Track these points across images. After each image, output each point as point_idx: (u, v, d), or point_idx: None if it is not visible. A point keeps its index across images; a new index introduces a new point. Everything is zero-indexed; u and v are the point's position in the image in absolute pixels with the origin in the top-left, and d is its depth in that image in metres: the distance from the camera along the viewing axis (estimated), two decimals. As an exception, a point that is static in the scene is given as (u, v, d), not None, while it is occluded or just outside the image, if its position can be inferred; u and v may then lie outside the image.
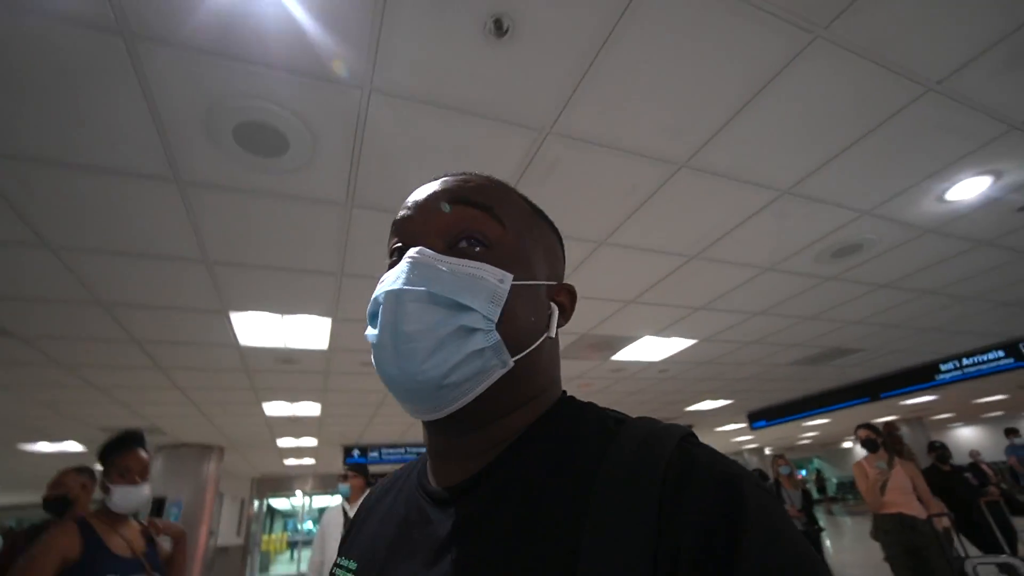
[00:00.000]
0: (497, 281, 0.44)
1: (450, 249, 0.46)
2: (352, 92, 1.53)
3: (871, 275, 3.27)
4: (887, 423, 4.27)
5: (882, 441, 3.82)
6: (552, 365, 0.51)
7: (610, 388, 5.86)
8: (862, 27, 1.47)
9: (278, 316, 3.13)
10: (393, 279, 0.44)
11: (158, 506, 6.56)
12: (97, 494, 2.59)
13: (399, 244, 0.49)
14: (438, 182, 0.51)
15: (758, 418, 8.90)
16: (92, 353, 3.50)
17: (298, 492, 13.91)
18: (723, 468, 0.36)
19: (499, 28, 1.33)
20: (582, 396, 0.52)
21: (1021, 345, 5.25)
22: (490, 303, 0.43)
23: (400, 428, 7.31)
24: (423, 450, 0.54)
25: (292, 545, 15.03)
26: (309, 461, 10.62)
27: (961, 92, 1.76)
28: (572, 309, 0.53)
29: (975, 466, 6.16)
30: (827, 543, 8.60)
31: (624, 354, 4.62)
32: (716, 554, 0.31)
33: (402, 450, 8.36)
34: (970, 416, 14.30)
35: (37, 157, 1.68)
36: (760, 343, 4.64)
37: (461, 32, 1.37)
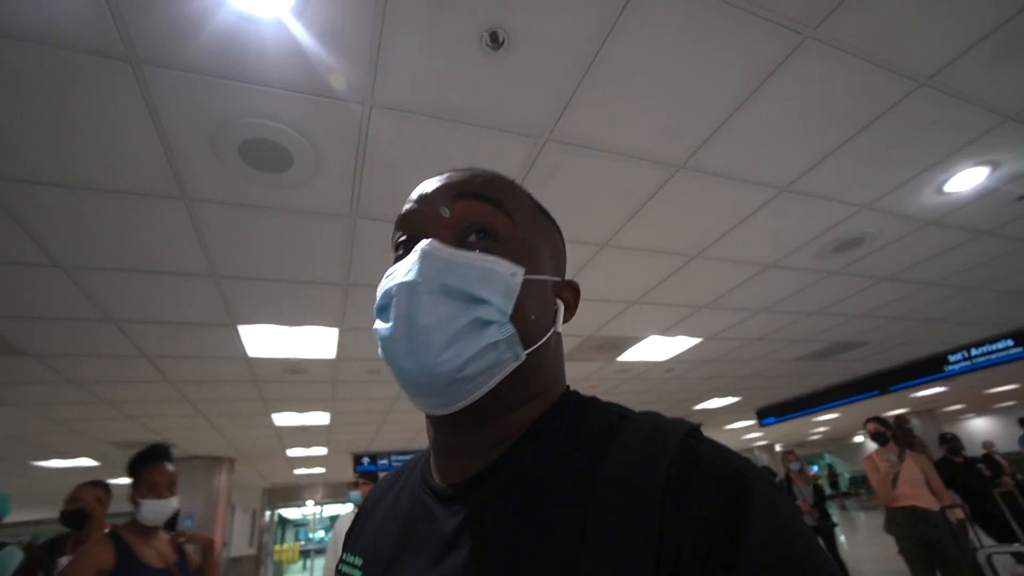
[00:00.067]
0: (510, 274, 0.44)
1: (460, 242, 0.46)
2: (353, 107, 1.57)
3: (873, 268, 3.28)
4: (897, 416, 4.25)
5: (892, 434, 3.81)
6: (557, 360, 0.52)
7: (617, 389, 5.87)
8: (852, 26, 1.49)
9: (286, 327, 3.17)
10: (405, 271, 0.43)
11: (171, 520, 6.60)
12: (114, 507, 2.63)
13: (405, 238, 0.49)
14: (444, 176, 0.51)
15: (767, 415, 8.87)
16: (103, 369, 3.55)
17: (309, 501, 13.95)
18: (727, 463, 0.36)
19: (495, 41, 1.36)
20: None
21: (1029, 334, 5.23)
22: (504, 296, 0.43)
23: (409, 435, 7.34)
24: None
25: (304, 554, 15.05)
26: (319, 470, 10.66)
27: (954, 86, 1.78)
28: (576, 306, 0.53)
29: (989, 457, 6.12)
30: (841, 538, 8.54)
31: (630, 355, 4.63)
32: (719, 550, 0.31)
33: (411, 456, 8.38)
34: (983, 407, 14.19)
35: (49, 180, 1.73)
36: (765, 340, 4.64)
37: (458, 46, 1.40)
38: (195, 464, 7.07)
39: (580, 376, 5.14)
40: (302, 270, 2.51)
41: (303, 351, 3.60)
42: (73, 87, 1.39)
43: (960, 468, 4.91)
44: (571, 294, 0.53)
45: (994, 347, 5.50)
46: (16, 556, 2.64)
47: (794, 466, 5.52)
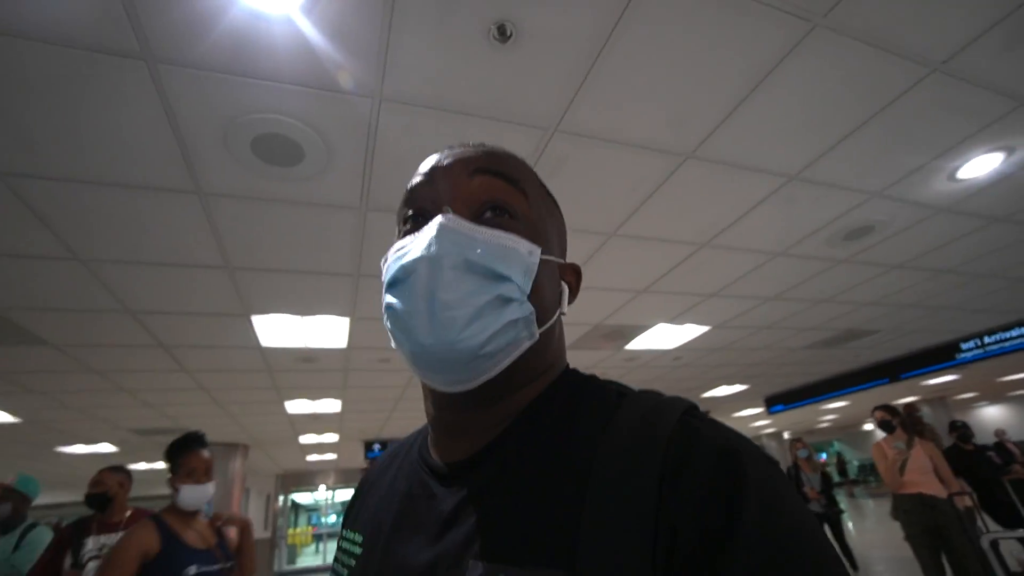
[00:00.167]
0: (527, 253, 0.44)
1: (476, 218, 0.45)
2: (363, 102, 1.58)
3: (883, 256, 3.26)
4: (907, 404, 4.25)
5: (899, 422, 3.81)
6: (560, 341, 0.52)
7: (624, 377, 5.90)
8: (862, 13, 1.47)
9: (298, 317, 3.22)
10: (424, 245, 0.42)
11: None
12: (133, 490, 2.72)
13: (416, 211, 0.48)
14: (457, 150, 0.49)
15: (775, 402, 8.87)
16: (121, 358, 3.65)
17: (321, 487, 14.23)
18: (725, 441, 0.36)
19: (502, 34, 1.37)
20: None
21: (1044, 321, 5.16)
22: (524, 274, 0.43)
23: (419, 421, 7.33)
24: None
25: (317, 538, 15.40)
26: (331, 456, 10.86)
27: (966, 71, 1.75)
28: (578, 288, 0.54)
29: (1000, 445, 6.08)
30: (849, 524, 8.58)
31: (638, 343, 4.65)
32: (715, 527, 0.31)
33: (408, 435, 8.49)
34: (996, 395, 14.04)
35: (68, 176, 1.77)
36: (774, 328, 4.63)
37: (466, 40, 1.41)
38: (211, 451, 7.24)
39: (588, 364, 5.17)
40: (314, 261, 2.55)
41: (315, 340, 3.66)
42: (90, 86, 1.42)
43: (969, 456, 4.90)
44: (573, 276, 0.53)
45: (1008, 335, 5.44)
46: (46, 535, 2.76)
47: (801, 453, 5.54)
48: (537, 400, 0.46)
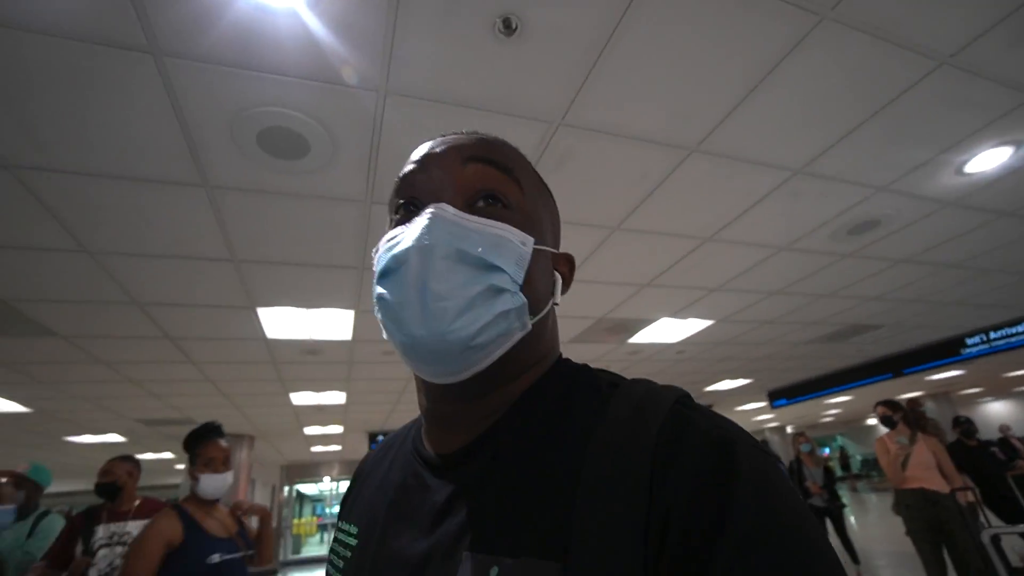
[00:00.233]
0: (520, 243, 0.44)
1: (469, 208, 0.44)
2: (368, 95, 1.59)
3: (889, 251, 3.24)
4: (910, 399, 4.24)
5: (902, 417, 3.81)
6: (553, 331, 0.51)
7: (628, 371, 5.89)
8: (869, 6, 1.46)
9: (303, 310, 3.25)
10: (415, 235, 0.41)
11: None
12: (140, 480, 2.77)
13: (408, 200, 0.47)
14: (450, 138, 0.48)
15: (778, 396, 8.87)
16: (129, 350, 3.68)
17: (325, 478, 14.37)
18: (717, 431, 0.36)
19: (508, 27, 1.37)
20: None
21: (1051, 316, 5.13)
22: (516, 265, 0.43)
23: (422, 414, 7.48)
24: None
25: (322, 528, 15.57)
26: (335, 448, 10.96)
27: (976, 64, 1.74)
28: (571, 279, 0.53)
29: (1005, 441, 6.07)
30: (851, 519, 8.60)
31: (641, 337, 4.66)
32: (706, 518, 0.31)
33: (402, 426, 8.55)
34: (1001, 390, 13.99)
35: (77, 170, 1.78)
36: (777, 322, 4.63)
37: (471, 33, 1.41)
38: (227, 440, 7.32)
39: (591, 358, 5.18)
40: (319, 254, 2.56)
41: (320, 333, 3.69)
42: (98, 79, 1.43)
43: (973, 451, 4.89)
44: (567, 266, 0.53)
45: (1014, 330, 5.41)
46: (58, 522, 2.81)
47: (804, 447, 5.55)
48: (530, 391, 0.46)
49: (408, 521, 0.44)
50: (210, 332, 3.51)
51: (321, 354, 4.21)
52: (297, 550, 13.44)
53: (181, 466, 9.10)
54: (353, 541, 0.49)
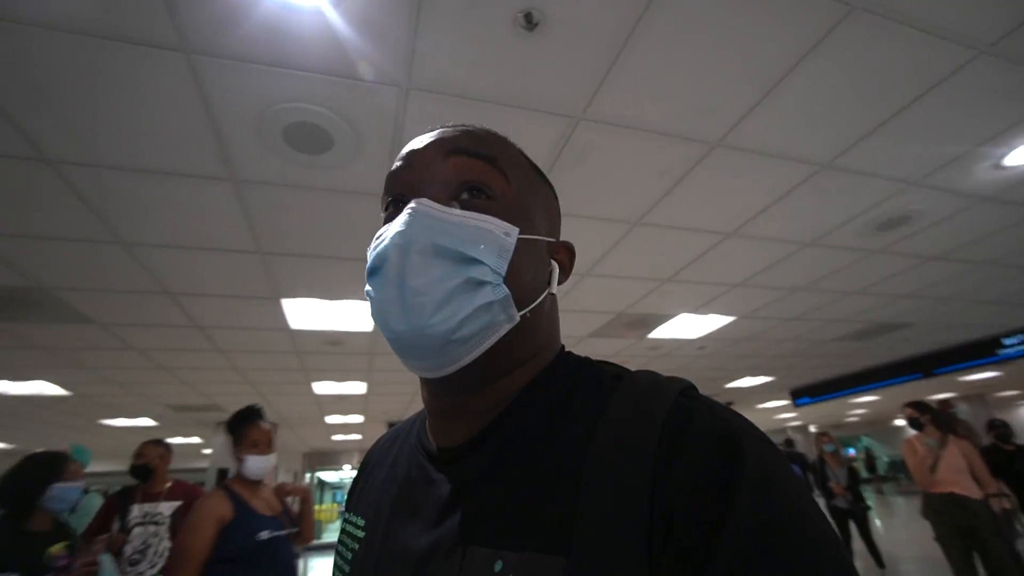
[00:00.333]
0: (503, 234, 0.43)
1: (452, 201, 0.44)
2: (390, 91, 1.61)
3: (920, 247, 3.14)
4: (941, 401, 4.11)
5: (930, 419, 3.69)
6: (552, 322, 0.50)
7: (647, 366, 5.83)
8: (904, -6, 1.41)
9: (326, 301, 3.32)
10: (396, 232, 0.41)
11: (222, 477, 7.11)
12: (168, 461, 2.88)
13: (395, 197, 0.47)
14: (435, 132, 0.48)
15: (801, 395, 8.70)
16: (160, 338, 3.82)
17: (346, 466, 14.68)
18: (722, 423, 0.35)
19: (529, 21, 1.37)
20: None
21: (1094, 317, 4.89)
22: (498, 256, 0.42)
23: (441, 406, 7.56)
24: None
25: (342, 514, 15.92)
26: (356, 436, 11.18)
27: (1017, 53, 1.66)
28: (571, 267, 0.52)
29: (1044, 445, 5.84)
30: (877, 522, 8.41)
31: (661, 332, 4.62)
32: (710, 509, 0.31)
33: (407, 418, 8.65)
34: (1039, 393, 13.42)
35: (114, 164, 1.85)
36: (802, 319, 4.53)
37: (492, 28, 1.41)
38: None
39: (610, 353, 5.17)
40: (342, 247, 2.61)
41: (342, 324, 3.76)
42: (133, 77, 1.48)
43: (1010, 456, 4.71)
44: (566, 255, 0.51)
45: (1055, 330, 5.19)
46: (97, 500, 2.96)
47: (828, 447, 5.44)
48: (532, 384, 0.45)
49: (413, 514, 0.44)
50: (236, 322, 3.62)
51: (343, 345, 4.29)
52: (318, 536, 13.81)
53: (208, 451, 9.41)
54: (361, 533, 0.50)
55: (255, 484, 1.93)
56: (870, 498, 6.09)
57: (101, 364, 4.38)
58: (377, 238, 0.45)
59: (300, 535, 2.06)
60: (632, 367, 0.46)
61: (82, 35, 1.33)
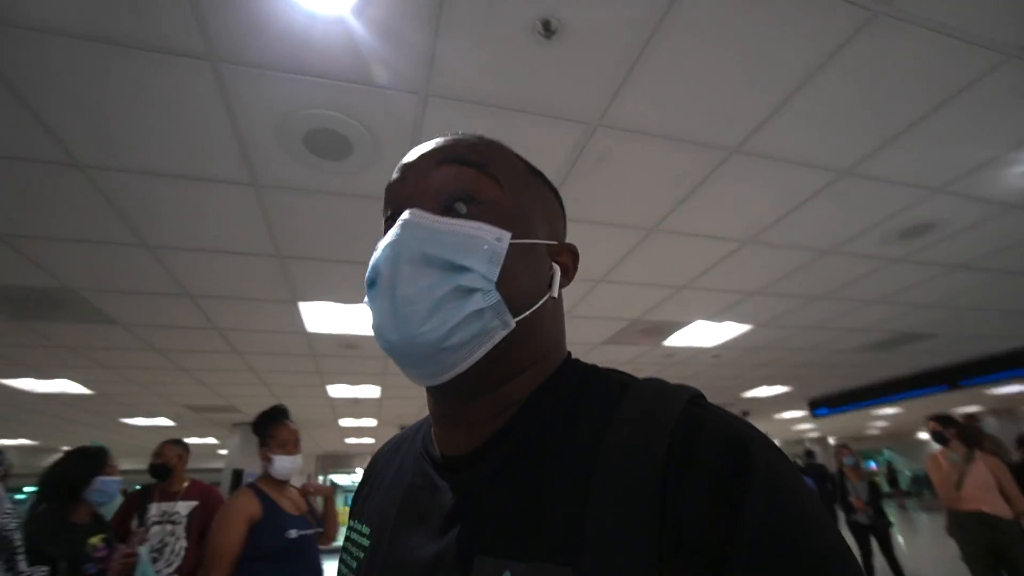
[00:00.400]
0: (495, 240, 0.43)
1: (445, 210, 0.44)
2: (409, 98, 1.63)
3: (944, 256, 3.06)
4: (967, 415, 3.99)
5: (955, 433, 3.58)
6: (555, 327, 0.49)
7: (662, 374, 5.73)
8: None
9: (342, 305, 3.35)
10: (388, 243, 0.43)
11: (237, 478, 7.20)
12: (186, 461, 2.92)
13: (393, 210, 0.48)
14: (429, 144, 0.49)
15: (820, 405, 8.52)
16: (179, 339, 3.90)
17: (358, 469, 14.76)
18: (731, 430, 0.35)
19: (547, 29, 1.37)
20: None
21: None
22: (488, 262, 0.42)
23: (453, 411, 7.57)
24: None
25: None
26: (369, 440, 11.24)
27: (1048, 59, 1.62)
28: (575, 269, 0.51)
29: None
30: (899, 539, 8.16)
31: (676, 339, 4.57)
32: (721, 518, 0.31)
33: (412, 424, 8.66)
34: (1070, 407, 12.94)
35: (141, 169, 1.91)
36: (821, 328, 4.45)
37: (510, 36, 1.42)
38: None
39: (624, 360, 5.13)
40: (358, 252, 2.64)
41: (358, 327, 3.80)
42: (161, 84, 1.52)
43: (1041, 473, 4.55)
44: (569, 258, 0.51)
45: (1088, 343, 5.01)
46: (118, 498, 3.01)
47: (847, 460, 5.30)
48: (538, 392, 0.45)
49: (418, 523, 0.44)
50: (254, 324, 3.67)
51: (358, 348, 4.33)
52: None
53: (224, 451, 9.55)
54: (366, 541, 0.49)
55: (282, 484, 1.94)
56: (892, 514, 5.92)
57: (123, 364, 4.48)
58: (375, 251, 0.46)
59: (324, 535, 2.07)
60: (647, 374, 0.45)
61: (116, 45, 1.38)
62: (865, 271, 3.24)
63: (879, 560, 4.85)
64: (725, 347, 4.90)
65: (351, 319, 3.62)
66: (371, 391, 6.05)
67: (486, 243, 0.42)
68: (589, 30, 1.43)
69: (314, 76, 1.53)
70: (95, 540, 2.00)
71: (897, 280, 3.42)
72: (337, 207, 2.23)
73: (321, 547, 2.00)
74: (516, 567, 0.35)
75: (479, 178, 0.45)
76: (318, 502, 2.21)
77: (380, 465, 0.58)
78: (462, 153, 0.46)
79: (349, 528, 0.54)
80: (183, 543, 2.61)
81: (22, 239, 2.35)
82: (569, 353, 0.51)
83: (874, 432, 16.76)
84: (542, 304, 0.45)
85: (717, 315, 3.99)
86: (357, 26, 1.36)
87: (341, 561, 0.53)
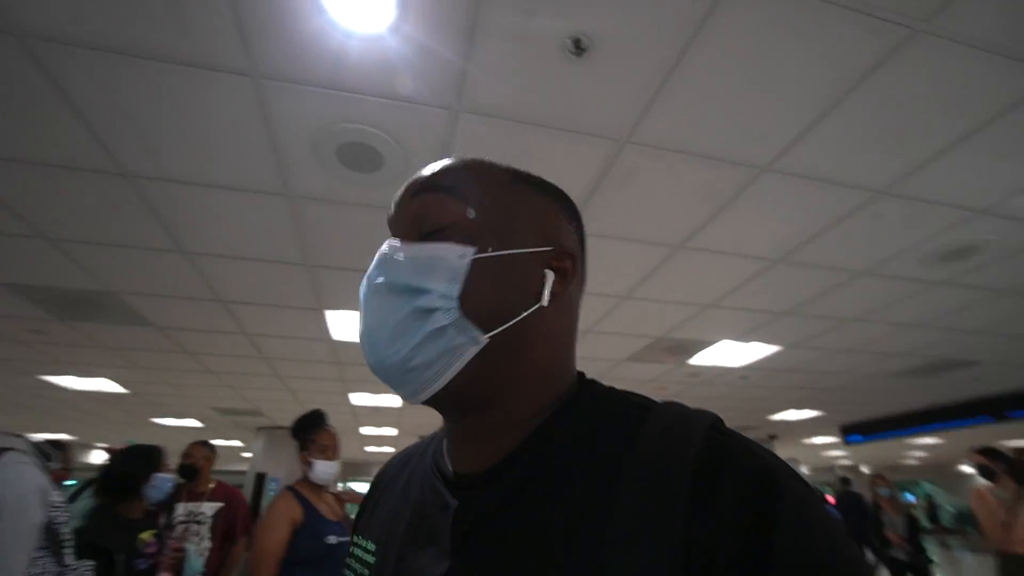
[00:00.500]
0: (457, 257, 0.43)
1: (423, 237, 0.45)
2: (440, 113, 1.66)
3: (990, 280, 2.92)
4: (1017, 449, 3.75)
5: (1005, 468, 3.38)
6: (551, 338, 0.46)
7: (686, 393, 5.68)
8: (973, 17, 1.35)
9: (366, 314, 3.39)
10: (364, 277, 0.46)
11: (260, 481, 7.31)
12: (212, 463, 2.98)
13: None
14: (414, 176, 0.51)
15: (853, 432, 8.16)
16: (211, 343, 4.02)
17: (377, 477, 14.84)
18: (757, 460, 0.35)
19: (578, 47, 1.39)
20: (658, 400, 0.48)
21: None
22: (448, 281, 0.42)
23: (472, 423, 7.55)
24: None
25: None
26: (389, 449, 11.29)
27: (1104, 77, 1.55)
28: (578, 273, 0.49)
29: None
30: (939, 579, 7.67)
31: (701, 358, 4.47)
32: (751, 548, 0.30)
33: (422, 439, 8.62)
34: None
35: (181, 179, 1.99)
36: (854, 351, 4.28)
37: (541, 54, 1.44)
38: (280, 434, 7.75)
39: (648, 377, 5.03)
40: (384, 262, 2.68)
41: (381, 337, 3.83)
42: (205, 99, 1.59)
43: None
44: (570, 262, 0.47)
45: None
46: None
47: (883, 491, 5.05)
48: (555, 413, 0.44)
49: (428, 541, 0.43)
50: (281, 330, 3.76)
51: (380, 357, 4.36)
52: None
53: (248, 454, 9.73)
54: (371, 558, 0.49)
55: (320, 489, 1.94)
56: (933, 551, 5.58)
57: (156, 365, 4.63)
58: None
59: None
60: (671, 393, 0.44)
61: (165, 63, 1.46)
62: (903, 294, 3.12)
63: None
64: (753, 368, 4.76)
65: (375, 328, 3.65)
66: (393, 400, 6.10)
67: (446, 262, 0.43)
68: (620, 49, 1.44)
69: (349, 91, 1.58)
70: (146, 535, 2.05)
71: (937, 304, 3.28)
72: (366, 218, 2.27)
73: None
74: None
75: (447, 201, 0.46)
76: (348, 509, 2.22)
77: (387, 480, 0.57)
78: (433, 180, 0.48)
79: (353, 544, 0.53)
80: (207, 543, 2.66)
81: (70, 243, 2.47)
82: (582, 373, 0.50)
83: (911, 462, 15.94)
84: (528, 315, 0.44)
85: (745, 335, 3.89)
86: (392, 43, 1.41)
87: None
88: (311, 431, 1.99)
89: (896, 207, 2.21)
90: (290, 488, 1.89)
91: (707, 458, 0.35)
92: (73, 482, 2.70)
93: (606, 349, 4.16)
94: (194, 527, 2.64)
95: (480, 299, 0.42)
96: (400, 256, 0.45)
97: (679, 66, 1.51)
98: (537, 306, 0.44)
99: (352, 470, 14.25)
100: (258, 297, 3.15)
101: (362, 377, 5.06)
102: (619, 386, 0.49)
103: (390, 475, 0.58)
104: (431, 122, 1.71)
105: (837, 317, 3.51)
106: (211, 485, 2.93)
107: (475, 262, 0.43)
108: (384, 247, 0.46)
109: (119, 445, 3.18)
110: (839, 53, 1.47)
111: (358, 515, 0.59)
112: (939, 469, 18.02)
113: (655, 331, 3.80)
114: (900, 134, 1.80)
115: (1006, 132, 1.79)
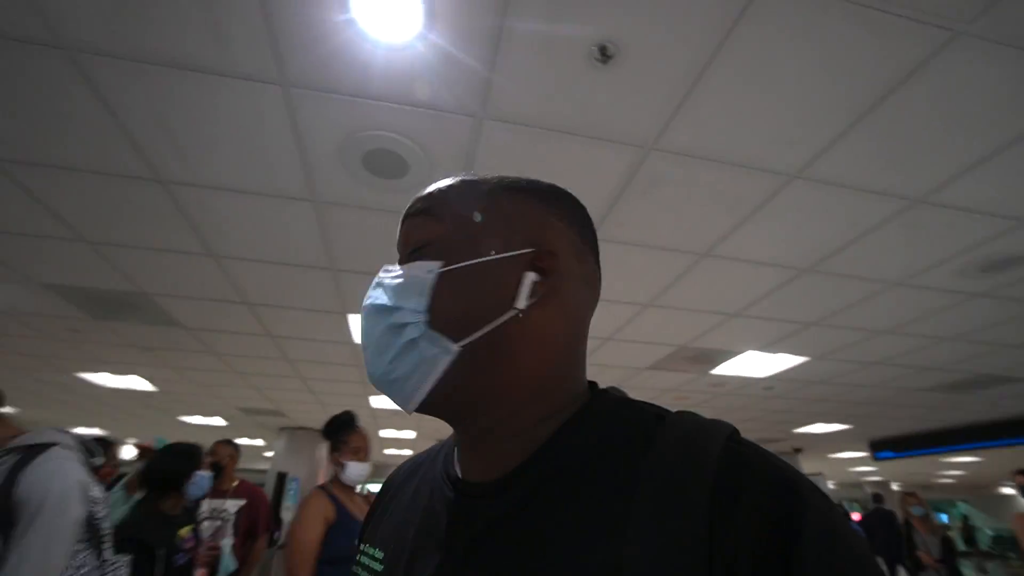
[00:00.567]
0: (425, 273, 0.45)
1: (408, 260, 0.48)
2: (465, 120, 1.67)
3: (1035, 293, 2.79)
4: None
5: (1049, 490, 3.21)
6: (543, 342, 0.45)
7: (708, 403, 5.56)
8: (1018, 17, 1.30)
9: (388, 318, 3.43)
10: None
11: (280, 480, 7.43)
12: (236, 462, 3.04)
13: None
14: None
15: (883, 448, 7.87)
16: (237, 344, 4.11)
17: (395, 480, 14.92)
18: (778, 472, 0.35)
19: (604, 54, 1.38)
20: (678, 409, 0.46)
21: None
22: (417, 296, 0.44)
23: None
24: None
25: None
26: (408, 452, 11.35)
27: None
28: (560, 269, 0.46)
29: None
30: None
31: (725, 368, 4.38)
32: (774, 561, 0.30)
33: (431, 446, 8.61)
34: None
35: (212, 184, 2.05)
36: (886, 364, 4.14)
37: (567, 61, 1.44)
38: (301, 435, 7.88)
39: (670, 386, 4.95)
40: (406, 267, 2.70)
41: (401, 341, 3.87)
42: (235, 107, 1.64)
43: None
44: (552, 261, 0.45)
45: None
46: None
47: (916, 511, 4.85)
48: (567, 424, 0.44)
49: (437, 550, 0.43)
50: (305, 333, 3.82)
51: (401, 361, 4.40)
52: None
53: (270, 453, 9.91)
54: (379, 566, 0.49)
55: (350, 490, 1.95)
56: (969, 575, 5.32)
57: (185, 365, 4.76)
58: None
59: None
60: (693, 403, 0.44)
61: (199, 72, 1.50)
62: (939, 306, 3.00)
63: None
64: (778, 379, 4.64)
65: (396, 332, 3.69)
66: (411, 404, 6.12)
67: (416, 279, 0.45)
68: (646, 56, 1.43)
69: (376, 99, 1.60)
70: (184, 531, 2.10)
71: (977, 317, 3.14)
72: (389, 224, 2.30)
73: None
74: None
75: (426, 222, 0.48)
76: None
77: (394, 488, 0.58)
78: (416, 204, 0.51)
79: (360, 552, 0.53)
80: (229, 540, 2.71)
81: (107, 246, 2.56)
82: (594, 383, 0.50)
83: (946, 481, 15.27)
84: (506, 321, 0.43)
85: (770, 345, 3.79)
86: (419, 52, 1.42)
87: None
88: (343, 432, 2.01)
89: (934, 216, 2.13)
90: (322, 488, 1.90)
91: (726, 468, 0.35)
92: (120, 479, 2.78)
93: (628, 357, 4.11)
94: (218, 523, 2.69)
95: (447, 309, 0.44)
96: (385, 279, 0.48)
97: (706, 73, 1.48)
98: (513, 311, 0.43)
99: (372, 472, 14.37)
100: (283, 300, 3.22)
101: (382, 380, 5.10)
102: (640, 395, 0.49)
103: (398, 483, 0.58)
104: (456, 129, 1.72)
105: (868, 329, 3.39)
106: (234, 483, 2.99)
107: (442, 275, 0.44)
108: (378, 276, 0.50)
109: (148, 442, 3.28)
110: (873, 57, 1.43)
111: (365, 522, 0.59)
112: (977, 489, 17.22)
113: (678, 340, 3.74)
114: (938, 141, 1.73)
115: (1053, 138, 1.71)
